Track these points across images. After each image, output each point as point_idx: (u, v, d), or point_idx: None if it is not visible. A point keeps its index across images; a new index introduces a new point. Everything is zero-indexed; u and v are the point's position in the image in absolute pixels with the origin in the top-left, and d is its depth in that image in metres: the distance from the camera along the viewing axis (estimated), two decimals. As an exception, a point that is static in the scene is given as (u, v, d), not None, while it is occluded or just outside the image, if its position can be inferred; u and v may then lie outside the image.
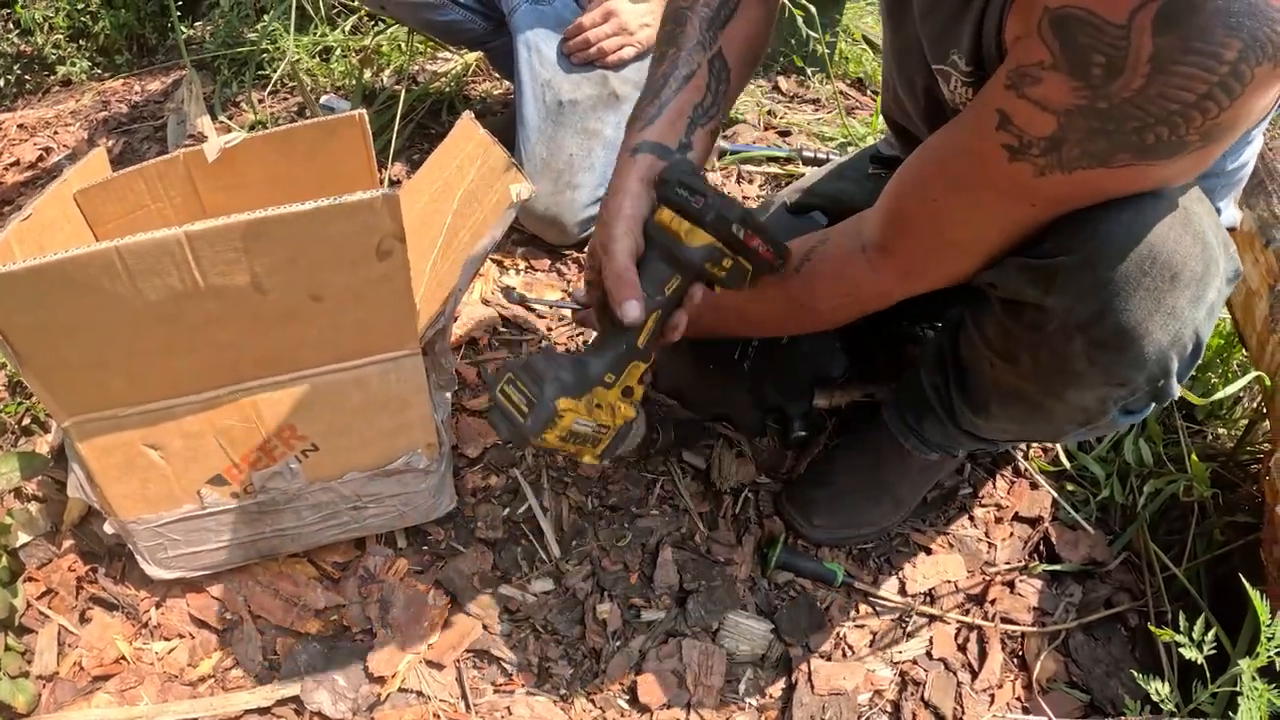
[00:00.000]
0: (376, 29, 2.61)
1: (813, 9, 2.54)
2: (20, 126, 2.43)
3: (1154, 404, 1.03)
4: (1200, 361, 1.02)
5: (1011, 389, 1.09)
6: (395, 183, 2.06)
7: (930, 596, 1.37)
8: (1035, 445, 1.54)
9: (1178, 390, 1.00)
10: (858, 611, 1.35)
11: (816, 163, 2.08)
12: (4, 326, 0.93)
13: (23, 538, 1.29)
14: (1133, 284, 0.88)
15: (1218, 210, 1.09)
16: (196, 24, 2.85)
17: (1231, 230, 1.17)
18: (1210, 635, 1.06)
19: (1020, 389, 1.08)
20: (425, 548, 1.35)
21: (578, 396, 0.96)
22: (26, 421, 1.47)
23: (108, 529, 1.16)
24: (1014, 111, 0.82)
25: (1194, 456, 1.36)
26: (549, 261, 1.88)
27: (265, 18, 2.54)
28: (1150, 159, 0.79)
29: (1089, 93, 0.77)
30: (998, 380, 1.10)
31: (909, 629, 1.33)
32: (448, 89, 2.42)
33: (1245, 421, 1.50)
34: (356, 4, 2.60)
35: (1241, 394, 1.62)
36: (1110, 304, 0.89)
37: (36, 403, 1.46)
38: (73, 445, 1.06)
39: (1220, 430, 1.60)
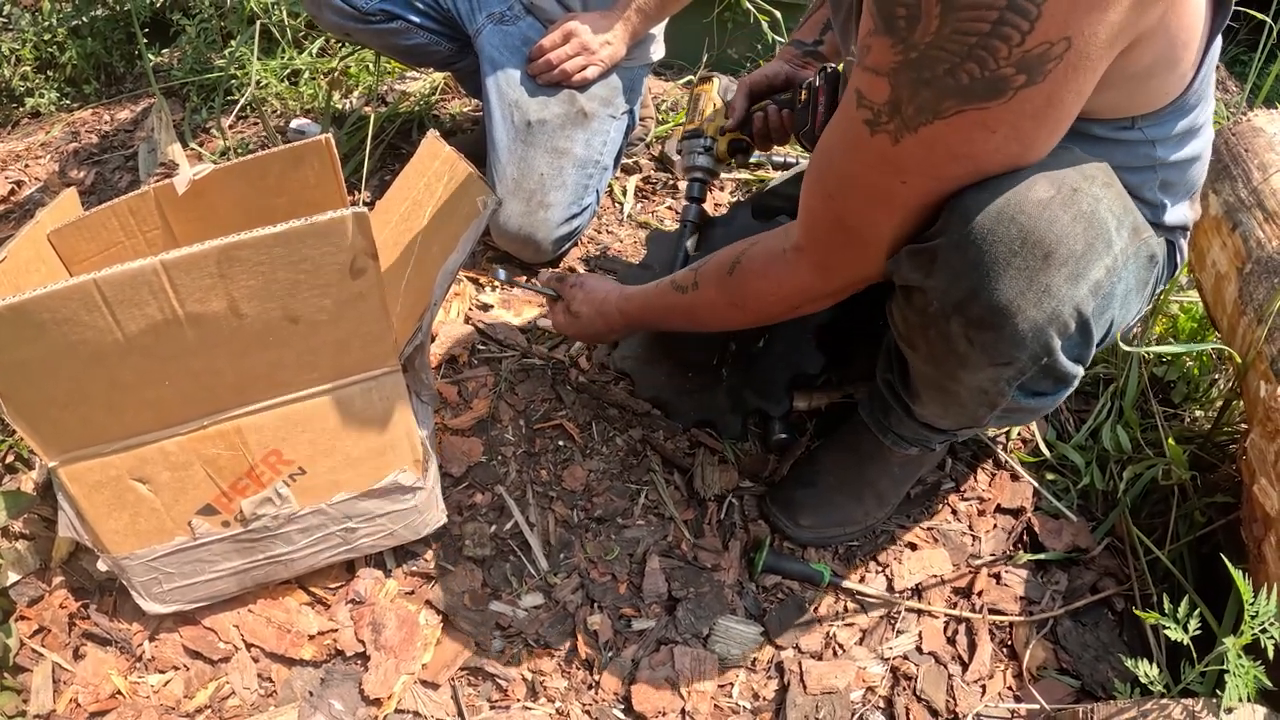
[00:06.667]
0: (344, 51, 2.61)
1: (778, 14, 2.56)
2: (-10, 161, 2.43)
3: (1062, 387, 1.05)
4: (1107, 341, 1.04)
5: (922, 375, 1.13)
6: (369, 204, 2.06)
7: (917, 591, 1.38)
8: (1014, 437, 1.56)
9: (1078, 369, 1.01)
10: (846, 610, 1.36)
11: (786, 167, 2.10)
12: (-14, 366, 0.93)
13: (12, 576, 1.29)
14: (1003, 263, 0.90)
15: (1162, 204, 1.10)
16: (164, 51, 2.84)
17: (1184, 229, 1.18)
18: (1195, 615, 1.08)
19: (926, 374, 1.11)
20: (414, 569, 1.36)
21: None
22: (10, 459, 1.46)
23: (101, 566, 1.16)
24: (862, 85, 0.87)
25: (1171, 440, 1.38)
26: (524, 279, 1.88)
27: (232, 43, 2.54)
28: (976, 101, 0.81)
29: (901, 47, 0.82)
30: (914, 367, 1.14)
31: (898, 624, 1.34)
32: (417, 108, 2.43)
33: (1220, 403, 1.52)
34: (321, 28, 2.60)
35: (1216, 375, 1.64)
36: (982, 283, 0.92)
37: (19, 440, 1.46)
38: (61, 484, 1.06)
39: (1196, 412, 1.62)
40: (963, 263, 0.92)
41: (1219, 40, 0.97)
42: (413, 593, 1.34)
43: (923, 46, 0.80)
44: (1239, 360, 1.35)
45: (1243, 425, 1.45)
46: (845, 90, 0.92)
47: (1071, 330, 0.95)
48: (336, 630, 1.28)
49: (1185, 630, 1.06)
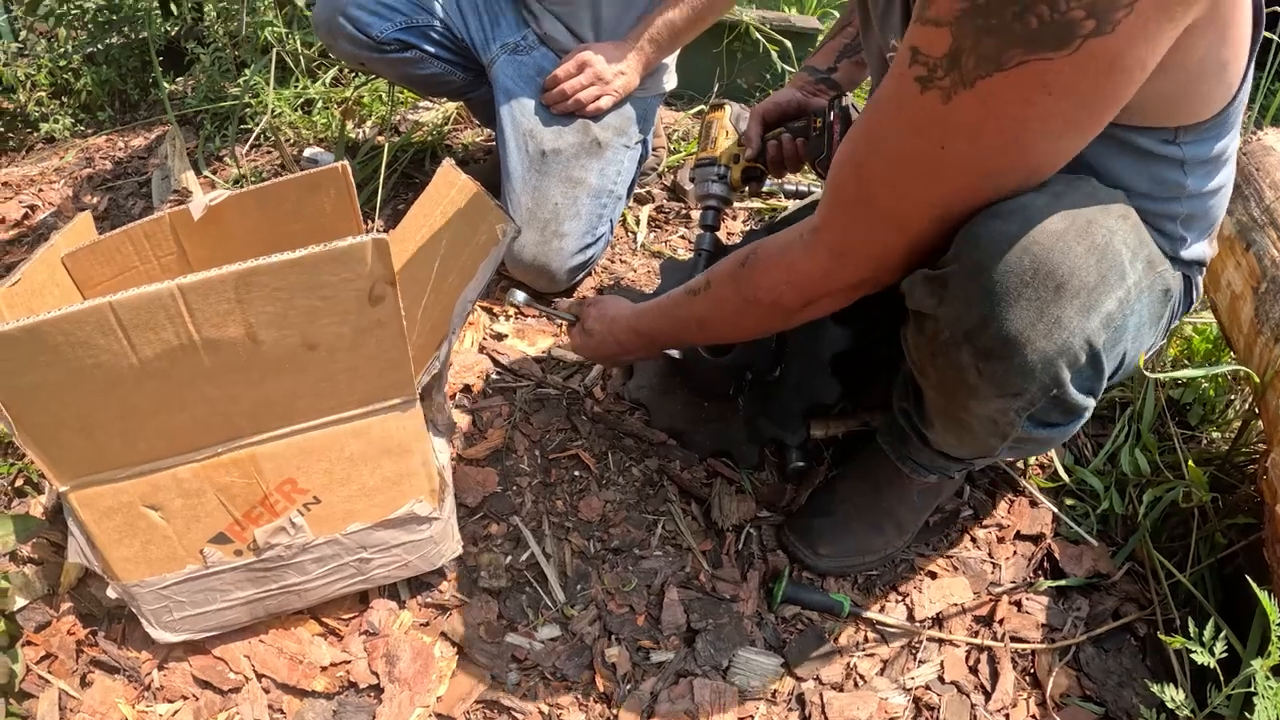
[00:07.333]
0: (357, 81, 2.63)
1: (788, 44, 2.58)
2: (4, 184, 2.44)
3: (1073, 419, 1.03)
4: (1120, 374, 1.03)
5: (934, 403, 1.12)
6: (383, 232, 2.07)
7: (938, 620, 1.36)
8: (1033, 463, 1.55)
9: (1089, 402, 1.00)
10: (866, 640, 1.34)
11: (799, 195, 2.10)
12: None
13: (20, 601, 1.28)
14: (1014, 293, 0.89)
15: (1182, 239, 1.09)
16: (178, 79, 2.86)
17: (1201, 265, 1.17)
18: (1221, 638, 1.06)
19: (938, 403, 1.10)
20: (429, 600, 1.34)
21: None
22: (20, 483, 1.45)
23: (110, 593, 1.15)
24: (918, 41, 0.84)
25: (1190, 462, 1.36)
26: (537, 310, 1.88)
27: (246, 72, 2.55)
28: (1042, 50, 0.78)
29: None
30: (927, 395, 1.12)
31: (919, 654, 1.32)
32: (430, 138, 2.44)
33: (1238, 423, 1.51)
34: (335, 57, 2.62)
35: (1233, 396, 1.63)
36: (992, 313, 0.91)
37: (29, 464, 1.45)
38: (72, 510, 1.05)
39: (1214, 434, 1.60)
40: (974, 291, 0.91)
41: (1252, 66, 0.96)
42: (427, 624, 1.32)
43: None
44: (1257, 380, 1.34)
45: (1261, 445, 1.43)
46: (895, 58, 0.89)
47: (1082, 362, 0.94)
48: (350, 662, 1.27)
49: (1212, 653, 1.04)
